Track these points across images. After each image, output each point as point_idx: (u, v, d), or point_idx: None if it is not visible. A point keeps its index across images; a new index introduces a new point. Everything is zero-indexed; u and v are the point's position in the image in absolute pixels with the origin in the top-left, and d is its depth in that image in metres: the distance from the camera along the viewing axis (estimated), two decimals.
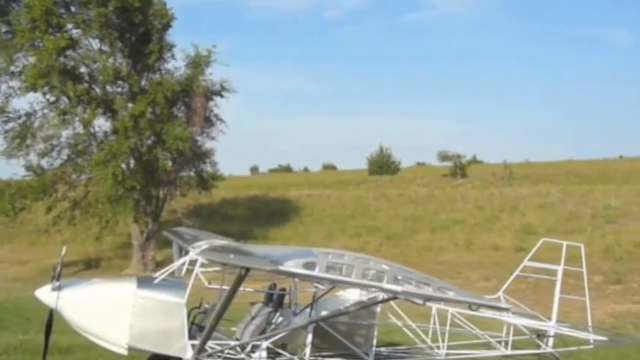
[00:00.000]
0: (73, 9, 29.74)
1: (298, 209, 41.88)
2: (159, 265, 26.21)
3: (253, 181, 71.52)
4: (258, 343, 10.42)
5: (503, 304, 10.76)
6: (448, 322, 11.82)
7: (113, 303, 9.86)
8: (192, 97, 29.09)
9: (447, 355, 11.63)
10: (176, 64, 30.89)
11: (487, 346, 12.17)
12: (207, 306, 11.86)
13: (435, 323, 11.67)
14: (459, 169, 55.82)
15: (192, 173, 32.12)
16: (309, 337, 10.69)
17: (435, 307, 11.78)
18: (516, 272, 12.32)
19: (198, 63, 29.99)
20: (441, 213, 39.54)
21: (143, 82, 29.48)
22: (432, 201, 43.63)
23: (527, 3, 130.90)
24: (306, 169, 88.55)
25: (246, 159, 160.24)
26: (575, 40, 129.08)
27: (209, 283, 10.90)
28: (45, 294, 9.85)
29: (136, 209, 28.80)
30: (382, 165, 62.77)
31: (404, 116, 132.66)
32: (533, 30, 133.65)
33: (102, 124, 30.46)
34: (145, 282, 10.22)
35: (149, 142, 29.00)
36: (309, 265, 9.50)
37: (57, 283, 9.82)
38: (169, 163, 29.86)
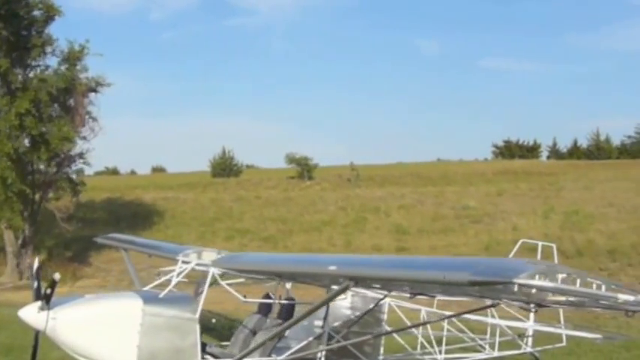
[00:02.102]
0: None
1: (159, 212, 40.56)
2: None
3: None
4: (271, 359, 9.65)
5: None
6: (445, 326, 11.76)
7: (118, 322, 8.76)
8: (74, 95, 27.13)
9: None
10: (48, 62, 28.81)
11: (475, 348, 12.29)
12: (214, 321, 11.15)
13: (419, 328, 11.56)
14: (306, 171, 56.15)
15: (73, 175, 29.96)
16: (322, 349, 9.99)
17: (424, 310, 11.71)
18: None
19: (73, 58, 28.07)
20: (306, 214, 39.71)
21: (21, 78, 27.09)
22: (291, 203, 43.79)
23: (345, 11, 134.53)
24: (133, 172, 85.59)
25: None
26: (390, 46, 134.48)
27: (244, 297, 10.14)
28: (32, 315, 8.51)
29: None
30: (225, 167, 62.05)
31: (238, 119, 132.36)
32: (352, 35, 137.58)
33: None
34: (150, 297, 9.17)
35: (26, 142, 26.71)
36: None
37: (42, 302, 8.49)
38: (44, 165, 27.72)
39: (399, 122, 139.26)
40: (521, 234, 31.64)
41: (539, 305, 7.08)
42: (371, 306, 10.75)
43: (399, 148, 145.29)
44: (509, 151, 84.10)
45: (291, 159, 57.04)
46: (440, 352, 11.61)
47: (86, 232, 31.82)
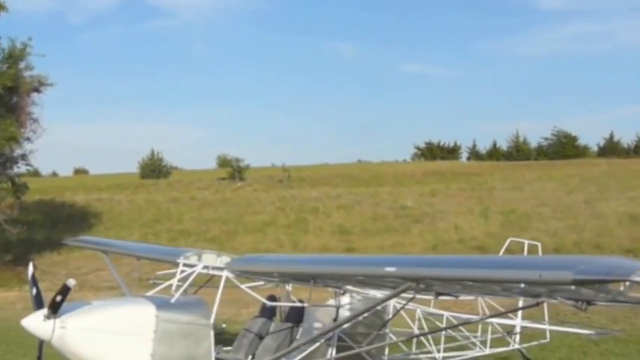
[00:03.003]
0: None
1: (95, 214, 39.69)
2: None
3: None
4: None
5: None
6: (444, 323, 11.96)
7: (131, 330, 8.38)
8: (19, 94, 26.31)
9: (444, 358, 11.69)
10: None
11: (468, 346, 12.59)
12: (224, 326, 11.03)
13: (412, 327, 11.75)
14: (237, 172, 55.90)
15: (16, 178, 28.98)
16: (333, 353, 10.00)
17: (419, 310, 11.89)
18: None
19: (15, 57, 27.25)
20: (245, 215, 39.56)
21: None
22: (228, 204, 43.51)
23: (263, 15, 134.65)
24: (55, 174, 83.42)
25: None
26: (310, 50, 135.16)
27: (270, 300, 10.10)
28: (37, 324, 8.07)
29: None
30: (154, 169, 61.19)
31: (156, 121, 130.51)
32: (272, 38, 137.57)
33: None
34: (162, 302, 8.80)
35: None
36: None
37: (48, 310, 8.07)
38: None
39: (321, 124, 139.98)
40: (464, 233, 32.52)
41: (588, 303, 7.33)
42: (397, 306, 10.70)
43: (321, 149, 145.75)
44: (431, 152, 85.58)
45: (222, 160, 56.71)
46: (438, 350, 11.78)
47: (23, 235, 30.96)
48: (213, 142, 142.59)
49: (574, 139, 79.22)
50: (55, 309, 8.01)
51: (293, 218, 38.47)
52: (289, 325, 10.08)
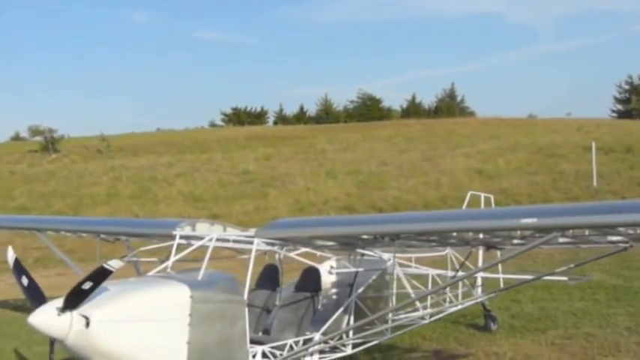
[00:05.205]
0: None
1: None
2: None
3: None
4: (311, 336, 8.96)
5: None
6: (430, 282, 11.88)
7: (164, 316, 7.11)
8: None
9: (431, 315, 11.55)
10: None
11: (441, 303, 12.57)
12: None
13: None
14: (51, 143, 52.54)
15: None
16: (351, 320, 9.51)
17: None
18: None
19: None
20: (82, 188, 37.19)
21: None
22: (57, 176, 40.72)
23: None
24: None
25: None
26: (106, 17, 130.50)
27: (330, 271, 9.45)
28: (50, 320, 6.65)
29: None
30: None
31: None
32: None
33: None
34: (193, 281, 7.61)
35: None
36: None
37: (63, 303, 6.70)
38: None
39: (117, 94, 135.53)
40: (322, 195, 32.68)
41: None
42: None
43: (119, 119, 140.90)
44: (238, 117, 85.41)
45: (34, 131, 53.05)
46: (425, 307, 11.59)
47: None
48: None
49: (378, 101, 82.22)
50: (77, 300, 6.65)
51: (135, 188, 36.75)
52: (308, 294, 9.35)
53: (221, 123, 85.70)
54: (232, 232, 9.49)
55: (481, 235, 8.18)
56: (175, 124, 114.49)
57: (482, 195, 13.86)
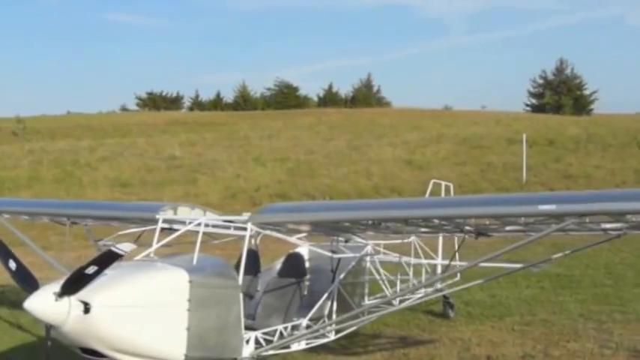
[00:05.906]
0: None
1: None
2: None
3: None
4: (298, 322, 9.04)
5: None
6: (400, 269, 12.00)
7: (164, 301, 6.98)
8: None
9: (401, 302, 11.71)
10: None
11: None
12: None
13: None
14: None
15: None
16: (334, 306, 9.64)
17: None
18: None
19: None
20: (2, 172, 35.88)
21: None
22: None
23: None
24: None
25: None
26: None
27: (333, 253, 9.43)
28: (47, 305, 6.37)
29: None
30: None
31: None
32: None
33: None
34: (189, 265, 7.46)
35: None
36: None
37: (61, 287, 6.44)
38: None
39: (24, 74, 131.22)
40: (253, 182, 32.58)
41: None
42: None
43: (26, 101, 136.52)
44: (154, 102, 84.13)
45: None
46: (394, 292, 11.67)
47: None
48: None
49: (295, 89, 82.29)
50: (79, 286, 6.39)
51: (57, 172, 35.79)
52: (293, 280, 9.41)
53: (135, 107, 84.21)
54: (212, 216, 9.40)
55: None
56: (84, 108, 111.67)
57: (443, 183, 14.04)
